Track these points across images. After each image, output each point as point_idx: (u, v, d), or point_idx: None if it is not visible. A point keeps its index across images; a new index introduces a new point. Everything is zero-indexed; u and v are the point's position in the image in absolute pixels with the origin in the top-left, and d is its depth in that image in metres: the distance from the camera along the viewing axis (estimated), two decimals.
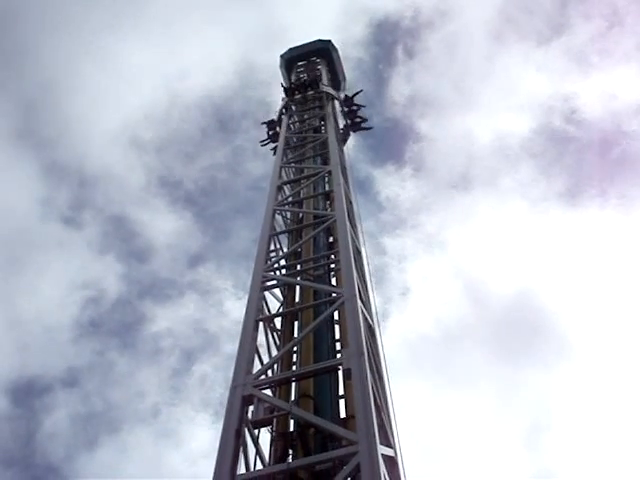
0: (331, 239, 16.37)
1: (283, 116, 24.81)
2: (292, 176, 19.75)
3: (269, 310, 14.24)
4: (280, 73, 30.51)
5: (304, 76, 28.51)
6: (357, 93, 27.07)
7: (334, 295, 13.14)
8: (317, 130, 22.96)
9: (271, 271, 14.77)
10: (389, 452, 10.41)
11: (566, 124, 50.77)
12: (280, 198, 18.18)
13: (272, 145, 25.13)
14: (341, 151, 21.45)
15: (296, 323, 14.12)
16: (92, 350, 44.68)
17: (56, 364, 45.90)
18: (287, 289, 15.13)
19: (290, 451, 10.94)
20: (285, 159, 20.55)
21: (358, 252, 15.94)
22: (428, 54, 57.24)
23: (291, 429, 11.37)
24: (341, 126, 25.36)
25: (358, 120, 26.25)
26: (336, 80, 30.91)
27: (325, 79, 27.74)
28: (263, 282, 14.09)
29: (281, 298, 15.11)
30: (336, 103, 25.88)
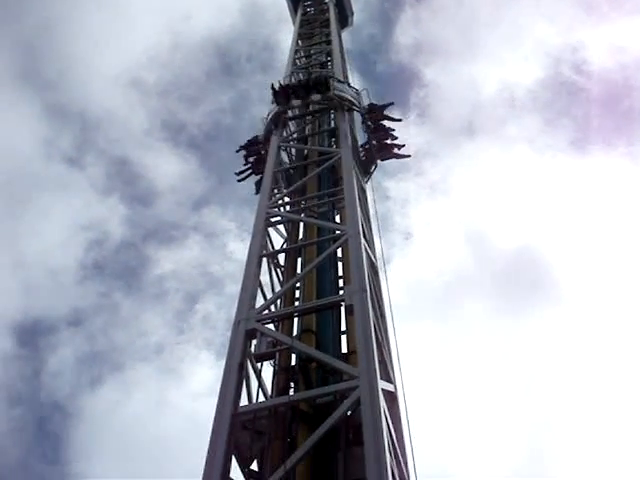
0: (335, 176, 16.30)
1: (273, 134, 17.78)
2: (298, 112, 19.53)
3: (273, 246, 14.31)
4: (288, 13, 30.14)
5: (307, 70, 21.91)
6: (388, 105, 18.58)
7: (338, 232, 13.17)
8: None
9: (275, 207, 14.78)
10: (389, 387, 10.59)
11: (574, 75, 49.95)
12: (285, 134, 18.05)
13: (254, 177, 18.53)
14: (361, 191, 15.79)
15: (299, 260, 14.20)
16: (96, 292, 44.91)
17: (60, 305, 46.29)
18: (291, 226, 15.17)
19: (292, 384, 11.14)
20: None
21: (362, 190, 15.92)
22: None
23: (293, 363, 11.55)
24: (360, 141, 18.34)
25: (390, 143, 18.12)
26: (343, 15, 30.44)
27: (339, 66, 21.32)
28: (267, 218, 14.11)
29: (285, 235, 15.18)
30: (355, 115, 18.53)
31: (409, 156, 18.63)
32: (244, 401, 10.34)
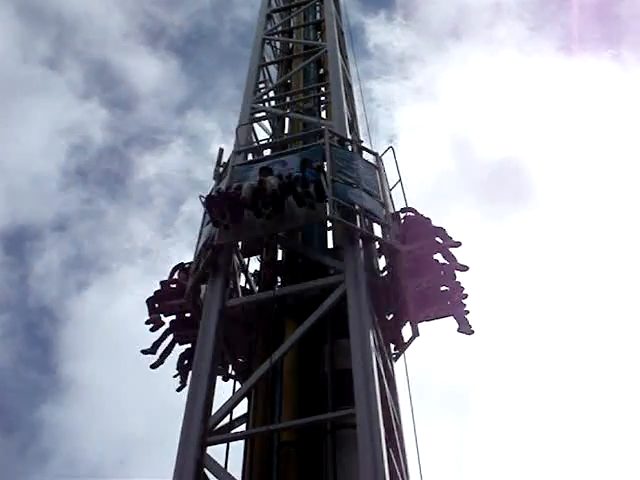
0: (322, 71, 15.98)
1: (209, 281, 10.29)
2: (282, 4, 18.94)
3: (258, 142, 14.14)
4: None
5: None
6: (454, 244, 10.55)
7: (323, 128, 13.00)
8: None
9: (260, 103, 14.54)
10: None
11: None
12: (269, 27, 17.56)
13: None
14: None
15: None
16: (80, 198, 44.37)
17: (44, 212, 45.76)
18: (276, 121, 14.95)
19: (278, 279, 11.24)
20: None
21: (349, 85, 15.64)
22: None
23: (279, 258, 11.64)
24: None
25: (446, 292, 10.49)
26: None
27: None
28: (252, 114, 13.90)
29: (270, 130, 14.98)
30: None
31: (473, 332, 10.42)
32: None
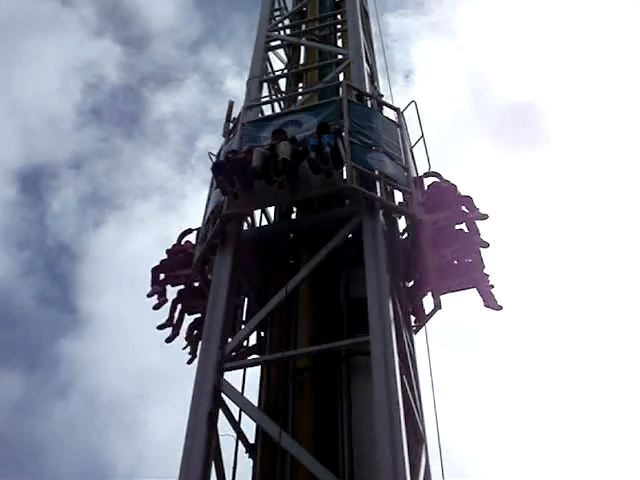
0: None
1: (218, 253, 9.89)
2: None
3: (273, 71, 13.98)
4: None
5: None
6: (479, 214, 10.03)
7: (340, 57, 12.83)
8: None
9: (275, 31, 14.32)
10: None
11: None
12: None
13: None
14: None
15: (300, 85, 13.92)
16: (95, 137, 43.95)
17: (60, 151, 45.35)
18: (292, 50, 14.74)
19: (294, 209, 11.23)
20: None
21: (365, 14, 15.33)
22: None
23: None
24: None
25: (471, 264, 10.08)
26: None
27: None
28: (267, 42, 13.71)
29: (285, 59, 14.78)
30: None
31: (501, 307, 9.90)
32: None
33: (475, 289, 9.85)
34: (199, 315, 10.25)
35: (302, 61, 14.56)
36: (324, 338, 9.09)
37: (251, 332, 9.26)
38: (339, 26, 14.95)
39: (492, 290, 9.82)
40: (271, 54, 14.07)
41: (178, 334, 10.48)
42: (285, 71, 14.11)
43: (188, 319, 10.57)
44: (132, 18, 48.15)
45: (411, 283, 10.09)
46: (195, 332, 10.34)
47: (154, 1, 49.72)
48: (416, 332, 9.90)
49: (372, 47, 14.60)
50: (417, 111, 11.44)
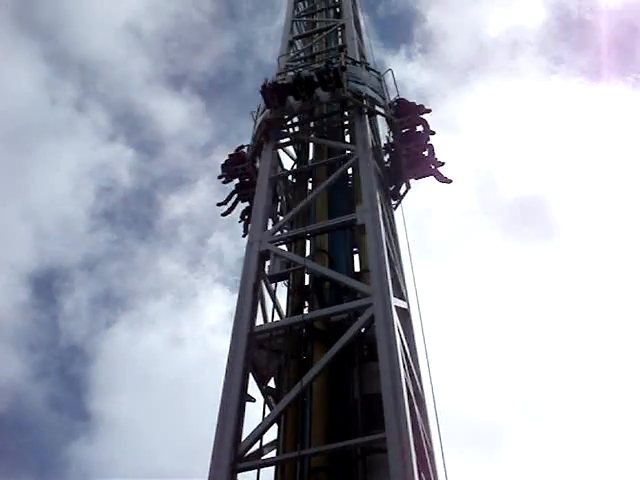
0: None
1: (264, 147, 13.70)
2: (304, 30, 19.11)
3: (283, 168, 14.25)
4: None
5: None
6: (425, 110, 13.79)
7: (348, 152, 13.07)
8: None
9: (284, 129, 14.64)
10: (402, 304, 10.68)
11: (581, 15, 48.44)
12: (292, 54, 17.73)
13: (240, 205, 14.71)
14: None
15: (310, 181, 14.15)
16: (108, 240, 44.81)
17: (73, 254, 46.10)
18: (301, 147, 15.05)
19: (306, 304, 11.27)
20: (296, 12, 19.81)
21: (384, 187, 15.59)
22: None
23: (307, 283, 11.66)
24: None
25: (426, 157, 13.70)
26: None
27: (355, 47, 16.07)
28: (276, 139, 13.99)
29: (295, 156, 15.07)
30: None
31: (451, 181, 13.74)
32: (260, 322, 10.50)
33: (432, 176, 13.71)
34: (248, 204, 14.11)
35: (311, 157, 14.83)
36: (339, 435, 8.94)
37: (265, 431, 9.09)
38: (346, 122, 15.25)
39: (442, 167, 13.67)
40: (281, 151, 14.34)
41: (231, 212, 14.59)
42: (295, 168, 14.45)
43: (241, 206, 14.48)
44: (144, 123, 49.69)
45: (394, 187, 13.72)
46: (246, 217, 14.19)
47: (166, 107, 50.98)
48: (395, 208, 13.51)
49: (379, 138, 14.86)
50: (393, 76, 14.76)
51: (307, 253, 12.05)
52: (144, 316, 41.52)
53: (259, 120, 13.96)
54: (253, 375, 9.87)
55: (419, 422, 8.83)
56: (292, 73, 14.38)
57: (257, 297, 10.47)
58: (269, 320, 10.89)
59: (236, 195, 14.53)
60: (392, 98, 14.21)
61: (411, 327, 10.67)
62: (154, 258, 45.63)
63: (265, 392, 10.44)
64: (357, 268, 11.93)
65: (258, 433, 8.99)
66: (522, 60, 50.58)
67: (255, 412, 10.12)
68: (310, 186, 13.89)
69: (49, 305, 42.62)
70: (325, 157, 14.05)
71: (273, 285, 11.48)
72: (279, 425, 9.58)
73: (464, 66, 48.93)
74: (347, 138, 14.77)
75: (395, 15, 48.72)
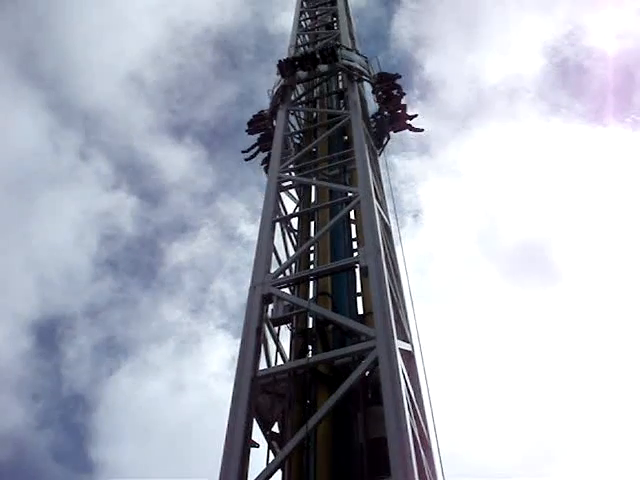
0: (346, 138, 16.21)
1: (279, 108, 17.18)
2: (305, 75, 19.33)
3: (285, 211, 14.30)
4: None
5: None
6: (398, 76, 17.85)
7: (350, 194, 13.14)
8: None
9: (286, 172, 14.73)
10: (406, 346, 10.65)
11: (578, 61, 49.30)
12: (293, 98, 17.92)
13: (262, 155, 17.94)
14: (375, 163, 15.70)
15: (312, 223, 14.19)
16: (111, 288, 44.84)
17: (76, 302, 46.23)
18: (303, 189, 15.13)
19: (310, 347, 11.20)
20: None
21: (373, 151, 15.84)
22: None
23: (310, 326, 11.62)
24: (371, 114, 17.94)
25: (402, 113, 17.66)
26: None
27: (346, 35, 19.90)
28: (279, 183, 14.07)
29: (297, 199, 15.15)
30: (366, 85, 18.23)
31: (422, 130, 17.96)
32: (263, 365, 10.45)
33: (407, 129, 17.64)
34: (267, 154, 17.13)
35: (313, 199, 14.90)
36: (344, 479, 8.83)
37: (269, 477, 8.98)
38: (348, 165, 15.36)
39: (413, 120, 17.66)
40: (283, 194, 14.41)
41: (254, 157, 18.06)
42: (297, 210, 14.48)
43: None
44: (147, 171, 50.17)
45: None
46: (265, 164, 17.13)
47: (168, 155, 51.45)
48: (380, 154, 16.89)
49: (381, 186, 14.97)
50: (378, 63, 18.34)
51: (310, 296, 12.02)
52: (146, 363, 41.36)
53: (276, 88, 17.68)
54: (257, 420, 9.80)
55: (425, 467, 8.72)
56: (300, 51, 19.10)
57: (260, 341, 10.44)
58: (272, 364, 10.82)
59: (258, 147, 17.90)
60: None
61: (415, 369, 10.60)
62: (157, 305, 45.58)
63: (269, 437, 10.33)
64: (360, 310, 11.90)
65: (263, 478, 8.88)
66: (521, 106, 51.41)
67: (259, 458, 10.05)
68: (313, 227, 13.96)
69: (52, 353, 42.59)
70: (327, 200, 14.11)
71: (276, 329, 11.44)
72: (283, 471, 9.46)
73: (464, 113, 49.87)
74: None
75: (394, 64, 49.47)
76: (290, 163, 15.25)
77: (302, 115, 18.06)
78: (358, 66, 17.58)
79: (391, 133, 17.44)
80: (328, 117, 16.80)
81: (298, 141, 17.22)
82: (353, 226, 13.84)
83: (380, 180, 15.01)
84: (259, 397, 9.78)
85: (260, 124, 17.92)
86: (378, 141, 17.13)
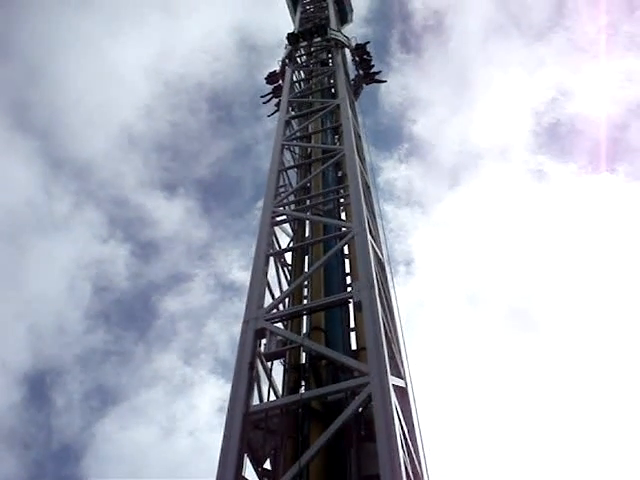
0: (340, 173, 16.32)
1: (287, 67, 23.14)
2: (300, 111, 19.56)
3: (279, 245, 14.31)
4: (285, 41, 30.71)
5: (310, 15, 28.38)
6: (367, 43, 25.28)
7: (344, 229, 13.18)
8: (325, 90, 21.24)
9: (281, 206, 14.78)
10: (399, 382, 10.58)
11: (564, 122, 50.28)
12: (288, 133, 18.06)
13: (275, 101, 23.61)
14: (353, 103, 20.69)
15: (306, 258, 14.20)
16: (103, 340, 44.72)
17: (67, 353, 45.91)
18: (297, 224, 15.18)
19: (302, 383, 11.13)
20: (292, 93, 20.42)
21: (367, 187, 15.91)
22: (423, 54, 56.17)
23: (303, 362, 11.56)
24: (352, 77, 24.10)
25: (371, 71, 24.62)
26: (343, 12, 30.46)
27: (333, 20, 26.64)
28: (273, 217, 14.11)
29: (291, 233, 15.18)
30: (346, 52, 24.51)
31: (385, 81, 26.04)
32: (255, 401, 10.37)
33: (375, 82, 24.79)
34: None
35: (307, 234, 14.93)
36: None
37: None
38: (342, 200, 15.44)
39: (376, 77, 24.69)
40: (277, 228, 14.43)
41: (268, 102, 24.38)
42: (291, 245, 14.49)
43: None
44: (140, 223, 50.00)
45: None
46: (276, 107, 22.49)
47: (162, 206, 51.60)
48: (356, 100, 23.01)
49: (374, 216, 15.02)
50: (366, 48, 25.16)
51: (303, 330, 11.99)
52: (138, 407, 41.04)
53: (285, 52, 24.09)
54: (248, 456, 9.69)
55: None
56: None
57: (253, 376, 10.37)
58: (265, 399, 10.73)
59: (272, 95, 24.16)
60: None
61: (409, 405, 10.53)
62: (149, 352, 45.35)
63: (261, 474, 10.21)
64: (354, 345, 11.86)
65: None
66: (510, 165, 52.02)
67: None
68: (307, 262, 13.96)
69: (43, 404, 42.12)
70: (321, 234, 14.14)
71: (269, 364, 11.37)
72: None
73: (455, 170, 50.42)
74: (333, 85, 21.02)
75: (387, 124, 50.40)
76: (284, 198, 15.31)
77: (297, 150, 18.18)
78: (342, 39, 24.44)
79: (364, 85, 24.30)
80: (322, 152, 16.91)
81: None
82: (347, 261, 13.85)
83: (374, 212, 15.04)
84: (251, 433, 9.68)
85: (274, 77, 24.46)
86: (356, 95, 23.43)
